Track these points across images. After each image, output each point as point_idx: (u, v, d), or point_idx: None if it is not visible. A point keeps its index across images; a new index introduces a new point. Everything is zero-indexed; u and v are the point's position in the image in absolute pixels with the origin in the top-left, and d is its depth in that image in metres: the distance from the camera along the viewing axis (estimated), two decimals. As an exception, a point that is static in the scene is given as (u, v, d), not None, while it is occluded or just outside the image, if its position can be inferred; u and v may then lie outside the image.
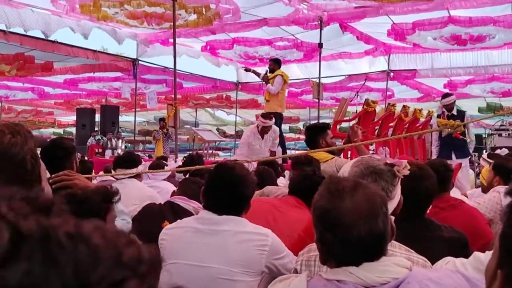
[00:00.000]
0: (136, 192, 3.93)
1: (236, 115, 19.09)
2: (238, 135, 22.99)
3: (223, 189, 2.36)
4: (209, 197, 2.42)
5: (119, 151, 13.89)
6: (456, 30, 10.99)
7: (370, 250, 1.41)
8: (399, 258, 1.52)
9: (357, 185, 1.46)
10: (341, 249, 1.41)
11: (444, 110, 8.21)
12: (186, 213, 2.93)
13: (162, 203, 3.29)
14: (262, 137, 8.06)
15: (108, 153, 13.63)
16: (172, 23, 9.11)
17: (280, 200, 3.16)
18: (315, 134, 4.28)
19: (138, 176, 4.15)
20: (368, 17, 10.48)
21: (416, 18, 10.63)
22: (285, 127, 20.19)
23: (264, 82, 9.92)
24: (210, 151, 12.98)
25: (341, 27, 11.04)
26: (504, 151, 6.67)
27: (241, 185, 2.37)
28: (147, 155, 14.62)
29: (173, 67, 9.14)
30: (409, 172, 1.97)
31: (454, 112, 8.29)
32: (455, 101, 8.41)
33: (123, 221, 2.75)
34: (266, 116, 8.18)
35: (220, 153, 20.98)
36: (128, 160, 4.10)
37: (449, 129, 2.96)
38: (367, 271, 1.39)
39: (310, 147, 4.25)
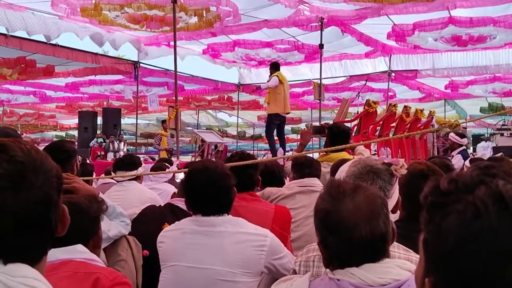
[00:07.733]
0: (137, 194, 3.91)
1: (238, 116, 19.09)
2: (240, 136, 23.03)
3: (204, 192, 2.29)
4: (193, 204, 2.35)
5: (121, 153, 13.88)
6: (457, 31, 10.93)
7: (372, 250, 1.42)
8: (403, 260, 1.53)
9: (357, 187, 1.48)
10: (344, 251, 1.42)
11: None
12: (186, 215, 2.91)
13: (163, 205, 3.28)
14: None
15: (110, 155, 13.63)
16: (172, 26, 9.12)
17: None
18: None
19: (138, 178, 4.14)
20: (368, 18, 10.47)
21: (416, 19, 10.60)
22: (287, 127, 20.19)
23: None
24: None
25: (341, 30, 11.04)
26: (485, 155, 6.63)
27: (221, 181, 2.30)
28: (148, 157, 14.62)
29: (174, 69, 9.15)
30: (419, 171, 1.98)
31: None
32: None
33: (122, 223, 2.74)
34: None
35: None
36: (128, 163, 4.08)
37: (448, 129, 2.94)
38: (368, 272, 1.40)
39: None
